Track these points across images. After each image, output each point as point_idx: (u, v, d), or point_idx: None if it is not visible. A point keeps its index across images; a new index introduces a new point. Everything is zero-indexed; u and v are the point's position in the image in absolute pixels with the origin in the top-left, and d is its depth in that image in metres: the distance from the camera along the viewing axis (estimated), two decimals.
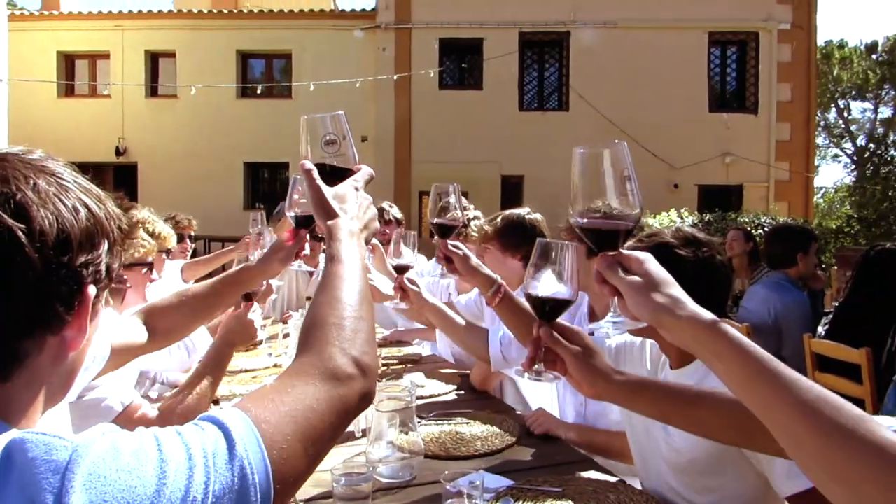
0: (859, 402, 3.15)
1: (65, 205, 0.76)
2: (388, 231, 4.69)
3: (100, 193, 0.86)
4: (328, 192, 1.18)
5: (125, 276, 2.40)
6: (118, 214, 0.86)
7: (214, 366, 2.11)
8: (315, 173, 1.21)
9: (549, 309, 1.34)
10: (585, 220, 1.13)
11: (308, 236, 1.87)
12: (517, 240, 2.84)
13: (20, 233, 0.69)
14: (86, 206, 0.79)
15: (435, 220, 2.03)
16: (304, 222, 1.85)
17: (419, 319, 3.66)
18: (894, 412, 2.50)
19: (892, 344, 3.14)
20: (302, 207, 1.84)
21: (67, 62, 16.59)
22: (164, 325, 1.73)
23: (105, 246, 0.80)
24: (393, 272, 2.35)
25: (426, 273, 4.61)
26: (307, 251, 1.86)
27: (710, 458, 1.60)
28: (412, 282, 2.40)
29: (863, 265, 3.43)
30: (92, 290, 0.78)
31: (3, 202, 0.70)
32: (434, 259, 4.26)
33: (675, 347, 1.70)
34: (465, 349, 2.61)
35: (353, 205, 1.18)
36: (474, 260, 1.98)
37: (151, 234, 2.86)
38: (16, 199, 0.71)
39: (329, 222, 1.14)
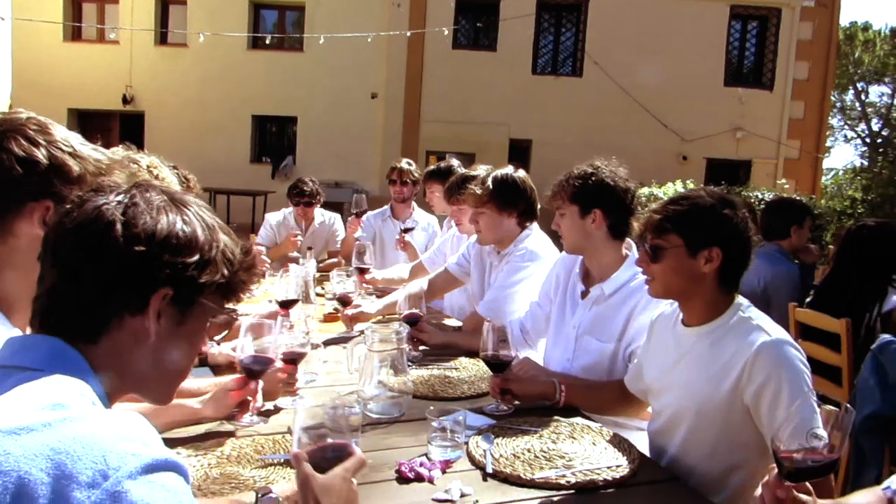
0: (837, 370, 3.27)
1: (167, 217, 0.93)
2: (404, 191, 4.72)
3: (213, 224, 0.99)
4: (317, 482, 1.14)
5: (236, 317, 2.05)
6: (228, 243, 1.00)
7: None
8: (304, 462, 1.16)
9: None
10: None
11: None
12: (511, 199, 2.89)
13: (119, 224, 0.89)
14: (186, 223, 0.95)
15: (490, 354, 2.05)
16: (254, 374, 1.81)
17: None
18: (869, 380, 2.61)
19: (871, 318, 3.24)
20: (256, 350, 1.79)
21: (75, 4, 16.30)
22: None
23: (195, 258, 0.93)
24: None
25: (430, 227, 4.71)
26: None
27: (715, 412, 1.73)
28: (423, 329, 2.62)
29: (846, 241, 3.53)
30: (167, 289, 0.92)
31: (123, 207, 0.91)
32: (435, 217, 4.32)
33: (695, 308, 1.84)
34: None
35: (338, 500, 1.14)
36: (528, 378, 2.08)
37: (157, 180, 2.76)
38: (130, 203, 0.92)
39: None
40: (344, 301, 3.12)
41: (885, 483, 1.31)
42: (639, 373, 2.06)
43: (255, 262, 1.04)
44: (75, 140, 1.23)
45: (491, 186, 2.87)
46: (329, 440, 1.23)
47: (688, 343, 1.84)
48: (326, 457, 1.20)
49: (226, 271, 0.97)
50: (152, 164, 2.97)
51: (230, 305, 1.05)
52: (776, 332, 1.71)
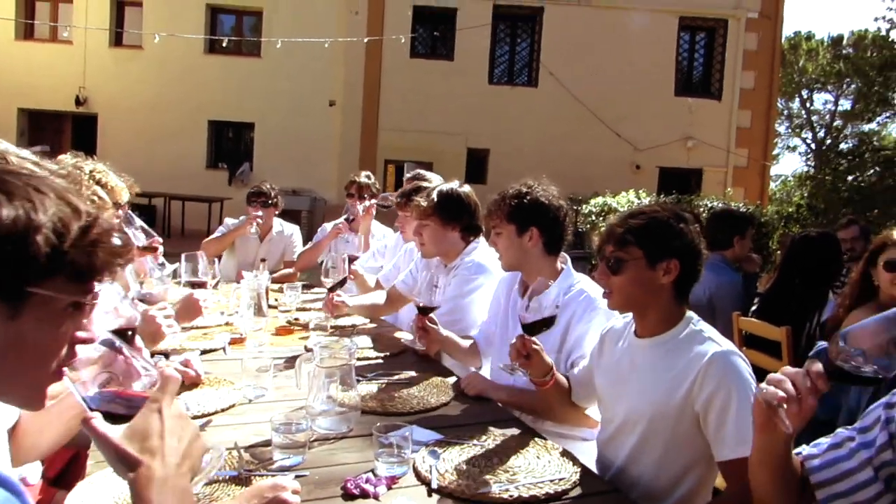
0: None
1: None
2: (356, 205, 4.69)
3: (44, 196, 0.82)
4: (119, 433, 0.91)
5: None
6: (58, 215, 0.82)
7: None
8: (98, 422, 0.92)
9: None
10: None
11: None
12: (454, 213, 2.97)
13: None
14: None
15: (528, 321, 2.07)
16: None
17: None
18: None
19: (811, 326, 3.37)
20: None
21: (28, 2, 15.92)
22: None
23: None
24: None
25: (389, 244, 4.71)
26: None
27: (666, 420, 1.79)
28: (433, 321, 2.57)
29: (789, 251, 3.67)
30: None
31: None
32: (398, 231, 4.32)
33: (650, 320, 1.90)
34: (462, 361, 2.80)
35: (159, 438, 0.91)
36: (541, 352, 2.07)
37: (102, 186, 2.63)
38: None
39: (130, 475, 0.88)
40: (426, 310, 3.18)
41: (797, 449, 1.38)
42: (585, 385, 2.13)
43: (102, 235, 0.85)
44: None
45: (435, 200, 2.95)
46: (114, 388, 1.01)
47: (641, 354, 1.91)
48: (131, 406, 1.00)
49: (50, 249, 0.79)
50: (96, 171, 2.88)
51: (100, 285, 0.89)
52: (726, 343, 1.80)
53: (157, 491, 0.86)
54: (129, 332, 1.87)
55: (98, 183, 2.63)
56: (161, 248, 3.29)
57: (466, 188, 3.06)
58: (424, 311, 2.57)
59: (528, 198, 2.42)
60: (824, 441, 1.37)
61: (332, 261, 3.34)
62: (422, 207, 3.00)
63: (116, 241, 0.88)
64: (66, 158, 2.76)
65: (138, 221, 3.10)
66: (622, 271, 1.86)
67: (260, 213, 4.87)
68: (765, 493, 1.36)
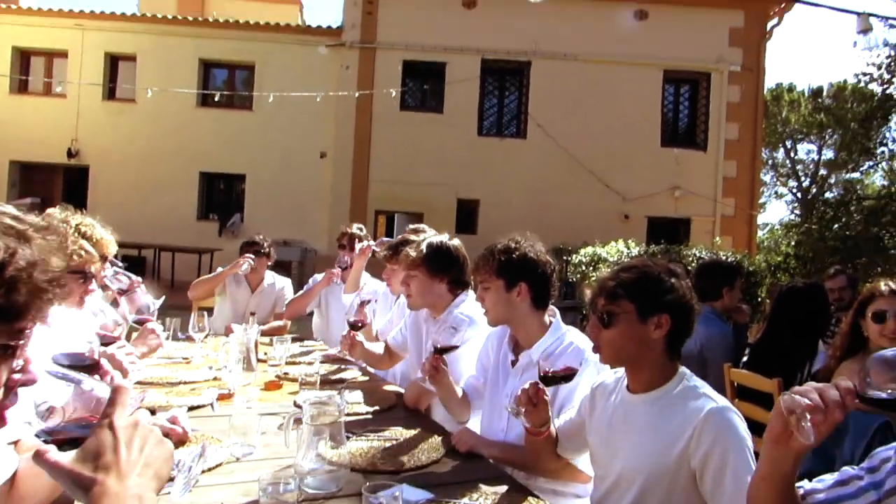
0: None
1: None
2: (348, 256, 4.72)
3: None
4: (70, 457, 0.87)
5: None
6: None
7: None
8: (51, 453, 0.87)
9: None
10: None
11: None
12: (443, 265, 2.99)
13: None
14: None
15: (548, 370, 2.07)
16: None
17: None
18: None
19: (802, 377, 3.37)
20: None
21: (23, 58, 16.22)
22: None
23: None
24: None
25: (380, 293, 4.69)
26: None
27: (662, 477, 1.77)
28: (445, 362, 2.55)
29: (777, 302, 3.69)
30: None
31: None
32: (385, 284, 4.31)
33: (643, 375, 1.89)
34: (453, 411, 2.74)
35: (112, 453, 0.86)
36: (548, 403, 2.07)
37: (88, 239, 2.68)
38: None
39: (86, 497, 0.83)
40: (355, 326, 3.22)
41: (798, 484, 1.35)
42: (571, 437, 2.12)
43: (22, 272, 0.82)
44: None
45: (424, 252, 2.98)
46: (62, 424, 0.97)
47: (635, 410, 1.89)
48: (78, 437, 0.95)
49: None
50: (82, 224, 2.89)
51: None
52: (721, 400, 1.79)
53: None
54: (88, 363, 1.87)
55: (84, 236, 2.66)
56: (142, 287, 3.30)
57: (456, 242, 3.09)
58: (441, 351, 2.55)
59: (517, 253, 2.43)
60: (829, 478, 1.35)
61: (362, 297, 3.38)
62: (411, 258, 3.03)
63: (42, 276, 0.84)
64: (55, 212, 2.78)
65: (116, 268, 3.13)
66: (613, 325, 1.86)
67: (252, 255, 4.89)
68: None
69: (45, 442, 0.90)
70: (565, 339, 2.41)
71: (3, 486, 1.22)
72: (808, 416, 1.13)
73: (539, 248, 2.49)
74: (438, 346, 2.56)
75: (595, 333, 1.92)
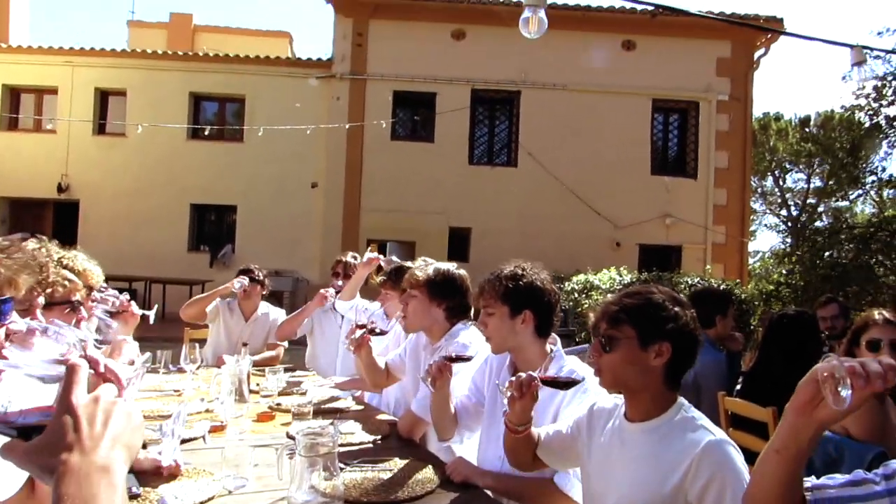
0: None
1: None
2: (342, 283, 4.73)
3: None
4: (33, 445, 0.85)
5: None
6: None
7: None
8: (14, 442, 0.87)
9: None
10: None
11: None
12: (445, 291, 2.98)
13: None
14: None
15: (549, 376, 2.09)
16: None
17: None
18: None
19: None
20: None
21: (13, 95, 16.31)
22: None
23: None
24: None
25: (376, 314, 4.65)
26: None
27: None
28: (451, 371, 2.53)
29: (767, 330, 3.69)
30: None
31: None
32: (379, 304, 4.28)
33: (641, 404, 1.88)
34: (440, 427, 2.70)
35: (73, 432, 0.83)
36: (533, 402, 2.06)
37: (72, 271, 2.66)
38: None
39: (55, 476, 0.80)
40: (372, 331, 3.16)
41: (806, 479, 1.33)
42: (556, 446, 2.12)
43: None
44: None
45: (429, 274, 2.99)
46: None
47: (632, 439, 1.88)
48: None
49: None
50: (64, 257, 2.88)
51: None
52: (719, 432, 1.77)
53: (72, 482, 0.78)
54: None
55: (66, 268, 2.65)
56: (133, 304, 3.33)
57: (462, 272, 3.09)
58: (453, 360, 2.53)
59: (524, 280, 2.41)
60: (839, 476, 1.33)
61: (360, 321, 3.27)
62: (415, 278, 3.03)
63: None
64: (30, 244, 2.77)
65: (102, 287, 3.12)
66: (614, 350, 1.85)
67: (246, 277, 4.88)
68: (765, 488, 1.31)
69: (12, 435, 0.88)
70: (565, 368, 2.39)
71: (21, 493, 1.21)
72: (849, 381, 1.13)
73: (545, 276, 2.48)
74: (453, 355, 2.54)
75: (596, 357, 1.90)
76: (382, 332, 3.29)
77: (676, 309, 1.84)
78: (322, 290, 4.75)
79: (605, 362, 1.88)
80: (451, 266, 3.08)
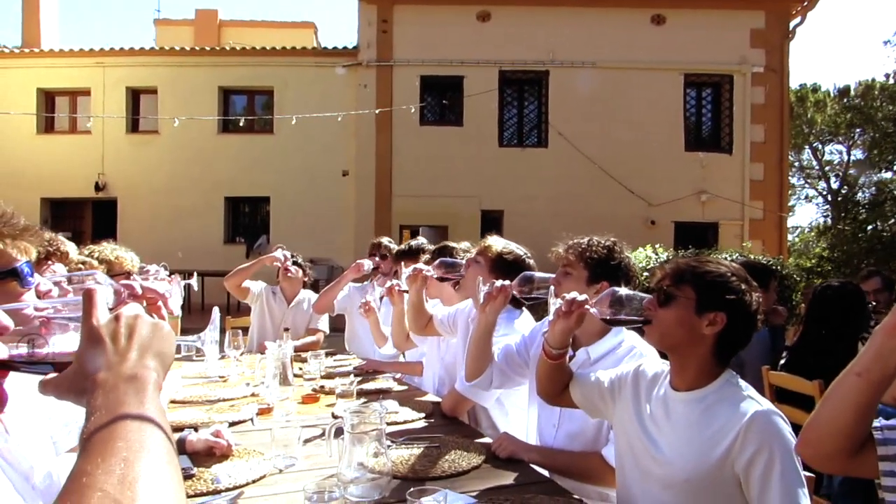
0: None
1: None
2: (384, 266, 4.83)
3: None
4: (67, 374, 0.86)
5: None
6: None
7: None
8: (50, 377, 0.87)
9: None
10: None
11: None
12: (508, 271, 2.90)
13: None
14: None
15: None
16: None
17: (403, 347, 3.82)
18: None
19: None
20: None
21: (48, 99, 16.62)
22: None
23: None
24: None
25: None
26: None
27: (704, 480, 1.73)
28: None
29: (813, 303, 3.61)
30: None
31: None
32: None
33: (687, 372, 1.85)
34: (471, 358, 2.71)
35: (101, 354, 0.83)
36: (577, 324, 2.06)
37: (102, 261, 2.96)
38: None
39: (85, 397, 0.80)
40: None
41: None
42: (588, 388, 2.11)
43: None
44: None
45: (501, 250, 3.02)
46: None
47: (677, 408, 1.86)
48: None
49: None
50: (94, 251, 3.10)
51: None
52: (766, 403, 1.75)
53: (99, 395, 0.78)
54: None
55: (99, 260, 2.96)
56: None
57: (532, 262, 3.07)
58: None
59: (616, 256, 2.42)
60: None
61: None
62: (487, 246, 3.05)
63: None
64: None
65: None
66: (670, 306, 1.83)
67: (286, 249, 5.02)
68: (837, 412, 1.29)
69: (47, 371, 0.90)
70: (626, 342, 2.38)
71: None
72: None
73: (632, 260, 2.49)
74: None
75: (651, 309, 1.88)
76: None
77: (742, 286, 1.81)
78: (358, 261, 4.80)
79: (659, 316, 1.86)
80: (524, 252, 3.07)
